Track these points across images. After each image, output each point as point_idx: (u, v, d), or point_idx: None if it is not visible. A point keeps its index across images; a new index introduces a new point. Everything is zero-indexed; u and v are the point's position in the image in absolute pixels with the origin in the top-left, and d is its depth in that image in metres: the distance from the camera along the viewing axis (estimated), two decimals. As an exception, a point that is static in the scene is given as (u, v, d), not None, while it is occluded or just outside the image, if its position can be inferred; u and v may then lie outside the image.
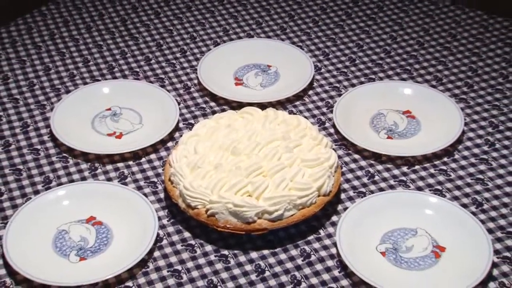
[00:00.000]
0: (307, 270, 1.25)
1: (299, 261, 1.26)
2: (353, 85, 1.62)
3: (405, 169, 1.43)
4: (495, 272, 1.24)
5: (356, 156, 1.45)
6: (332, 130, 1.51)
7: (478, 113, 1.55)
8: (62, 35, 1.78)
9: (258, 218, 1.26)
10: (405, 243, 1.28)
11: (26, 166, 1.44)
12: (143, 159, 1.45)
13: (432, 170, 1.42)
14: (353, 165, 1.44)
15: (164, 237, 1.30)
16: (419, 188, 1.39)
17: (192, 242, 1.30)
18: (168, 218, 1.34)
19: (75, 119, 1.52)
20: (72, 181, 1.41)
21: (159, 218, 1.33)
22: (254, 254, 1.27)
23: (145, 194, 1.37)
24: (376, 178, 1.41)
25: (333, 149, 1.39)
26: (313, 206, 1.29)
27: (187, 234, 1.31)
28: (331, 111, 1.54)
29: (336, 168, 1.34)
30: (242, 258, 1.27)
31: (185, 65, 1.69)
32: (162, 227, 1.32)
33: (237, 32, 1.79)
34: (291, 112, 1.55)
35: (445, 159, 1.44)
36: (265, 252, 1.28)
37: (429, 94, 1.56)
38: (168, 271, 1.25)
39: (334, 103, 1.56)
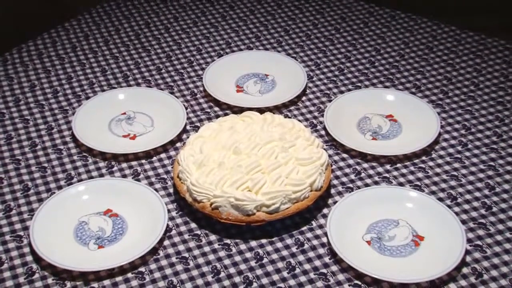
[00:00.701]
0: (300, 257, 1.24)
1: (294, 249, 1.25)
2: (341, 92, 1.61)
3: (388, 167, 1.42)
4: (468, 258, 1.23)
5: (345, 156, 1.45)
6: (323, 132, 1.50)
7: (452, 117, 1.54)
8: (83, 47, 1.77)
9: (257, 210, 1.25)
10: (388, 233, 1.27)
11: (50, 164, 1.43)
12: (154, 158, 1.44)
13: (412, 168, 1.41)
14: (341, 163, 1.43)
15: (173, 228, 1.30)
16: (401, 184, 1.38)
17: (198, 232, 1.29)
18: (177, 210, 1.33)
19: (94, 122, 1.51)
20: (91, 177, 1.40)
21: (169, 211, 1.32)
22: (253, 243, 1.26)
23: (156, 189, 1.36)
24: (362, 175, 1.40)
25: (324, 149, 1.38)
26: (306, 200, 1.28)
27: (193, 225, 1.30)
28: (322, 115, 1.54)
29: (326, 166, 1.33)
30: (242, 247, 1.26)
31: (192, 74, 1.68)
32: (171, 218, 1.31)
33: (238, 45, 1.78)
34: (286, 116, 1.54)
35: (424, 158, 1.44)
36: (263, 241, 1.27)
37: (409, 100, 1.56)
38: (176, 258, 1.24)
39: (325, 108, 1.55)
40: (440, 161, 1.43)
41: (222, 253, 1.25)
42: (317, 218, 1.31)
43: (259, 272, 1.21)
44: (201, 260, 1.23)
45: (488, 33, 1.80)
